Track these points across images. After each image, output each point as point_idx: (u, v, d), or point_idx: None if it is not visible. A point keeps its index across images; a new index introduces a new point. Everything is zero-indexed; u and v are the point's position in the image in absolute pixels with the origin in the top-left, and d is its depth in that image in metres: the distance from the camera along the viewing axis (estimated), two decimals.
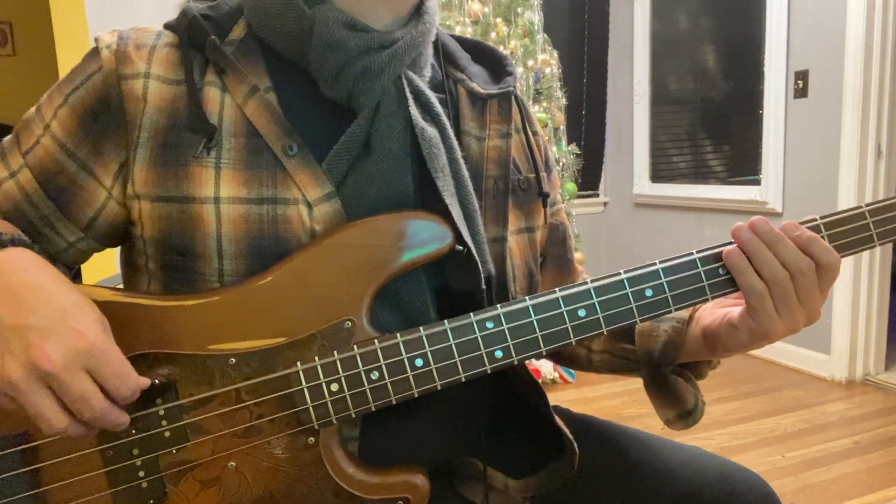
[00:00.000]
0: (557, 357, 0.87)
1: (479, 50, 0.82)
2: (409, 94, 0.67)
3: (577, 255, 0.90)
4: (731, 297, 0.69)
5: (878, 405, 2.63)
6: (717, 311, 0.70)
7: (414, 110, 0.67)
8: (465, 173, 0.69)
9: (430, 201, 0.66)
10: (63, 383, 0.52)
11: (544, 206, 0.79)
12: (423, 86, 0.69)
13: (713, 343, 0.70)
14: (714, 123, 3.73)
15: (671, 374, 0.73)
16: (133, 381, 0.55)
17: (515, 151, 0.77)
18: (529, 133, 0.80)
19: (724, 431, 2.41)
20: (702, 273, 0.65)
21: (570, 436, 0.71)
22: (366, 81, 0.65)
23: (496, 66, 0.80)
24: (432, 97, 0.69)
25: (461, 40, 0.83)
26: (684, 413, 0.72)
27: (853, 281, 2.84)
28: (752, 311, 0.64)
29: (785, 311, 0.64)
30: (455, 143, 0.69)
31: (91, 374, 0.53)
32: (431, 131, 0.67)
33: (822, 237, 0.65)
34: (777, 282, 0.63)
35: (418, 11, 0.71)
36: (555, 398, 0.75)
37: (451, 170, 0.68)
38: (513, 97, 0.77)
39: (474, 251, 0.65)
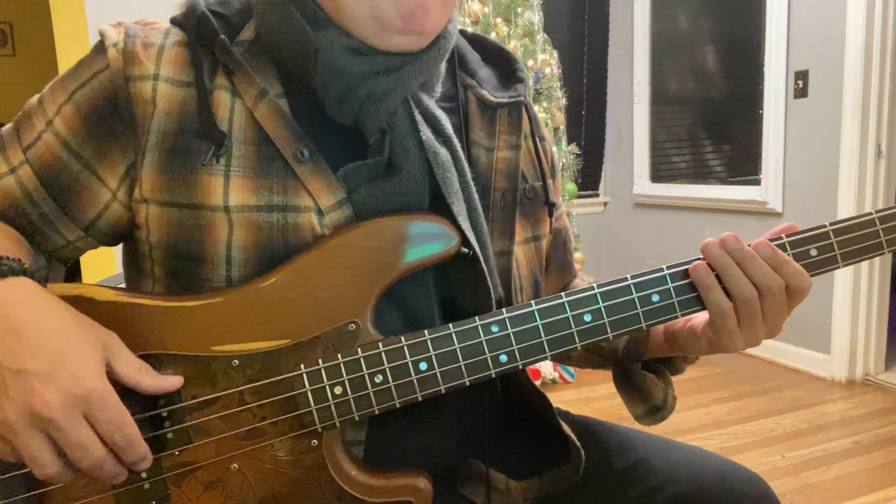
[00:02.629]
0: None
1: (489, 50, 0.80)
2: (418, 117, 0.65)
3: (576, 256, 0.91)
4: None
5: (878, 405, 2.63)
6: None
7: (427, 133, 0.65)
8: (476, 196, 0.68)
9: None
10: (61, 430, 0.51)
11: (550, 215, 0.79)
12: (433, 106, 0.68)
13: (673, 344, 0.71)
14: (714, 123, 3.73)
15: (638, 371, 0.74)
16: (129, 431, 0.54)
17: (523, 160, 0.76)
18: (537, 139, 0.79)
19: (724, 431, 2.41)
20: None
21: (578, 442, 0.71)
22: (370, 105, 0.63)
23: (506, 68, 0.79)
24: (442, 118, 0.68)
25: (472, 39, 0.81)
26: (653, 408, 0.73)
27: (853, 281, 2.84)
28: (713, 326, 0.65)
29: (747, 328, 0.64)
30: (466, 165, 0.68)
31: (88, 419, 0.52)
32: (444, 154, 0.66)
33: (831, 244, 0.65)
34: (744, 300, 0.63)
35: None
36: (555, 398, 0.75)
37: (463, 193, 0.67)
38: (524, 107, 0.76)
39: (487, 275, 0.65)
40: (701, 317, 0.67)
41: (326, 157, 0.64)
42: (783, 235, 0.65)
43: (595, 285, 0.64)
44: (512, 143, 0.74)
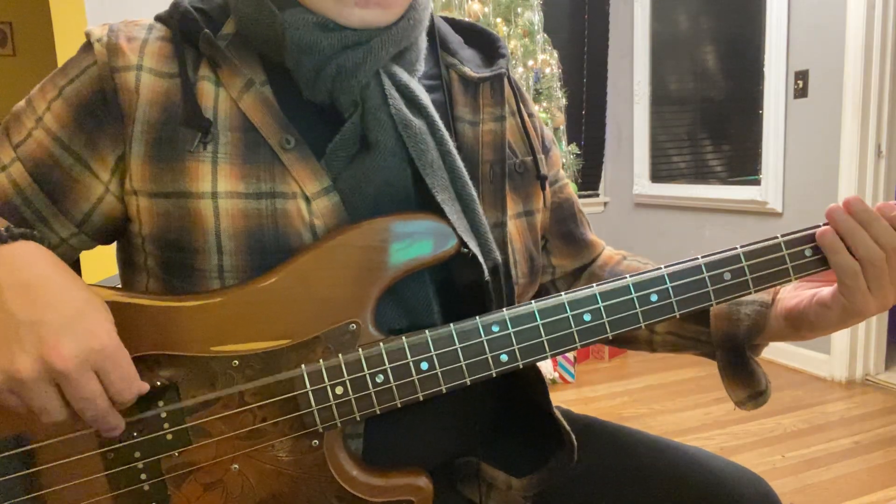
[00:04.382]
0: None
1: (472, 32, 0.81)
2: (390, 89, 0.66)
3: (596, 240, 0.88)
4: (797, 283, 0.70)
5: (878, 405, 2.64)
6: (803, 292, 0.70)
7: (398, 105, 0.65)
8: (460, 164, 0.68)
9: (427, 196, 0.65)
10: (73, 383, 0.51)
11: (542, 188, 0.78)
12: (407, 78, 0.68)
13: (798, 324, 0.70)
14: (714, 123, 3.73)
15: (752, 356, 0.73)
16: (136, 386, 0.55)
17: (511, 135, 0.76)
18: (525, 115, 0.79)
19: (724, 431, 2.41)
20: (706, 278, 0.65)
21: (568, 427, 0.71)
22: (342, 80, 0.64)
23: (489, 48, 0.79)
24: (417, 89, 0.68)
25: (454, 23, 0.82)
26: (756, 393, 0.72)
27: None
28: (845, 290, 0.65)
29: (877, 289, 0.64)
30: (445, 134, 0.68)
31: (98, 374, 0.53)
32: (418, 124, 0.66)
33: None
34: (872, 261, 0.63)
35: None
36: (555, 398, 0.75)
37: (445, 162, 0.67)
38: (505, 79, 0.77)
39: (476, 246, 0.65)
40: (827, 289, 0.67)
41: (311, 141, 0.64)
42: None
43: (594, 284, 0.64)
44: (496, 115, 0.75)
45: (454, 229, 0.64)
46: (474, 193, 0.68)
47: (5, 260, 0.54)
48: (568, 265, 0.85)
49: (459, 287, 0.67)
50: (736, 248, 0.66)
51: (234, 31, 0.67)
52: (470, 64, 0.76)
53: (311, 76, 0.64)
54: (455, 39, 0.78)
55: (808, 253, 0.66)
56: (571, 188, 0.86)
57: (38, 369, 0.51)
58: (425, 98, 0.68)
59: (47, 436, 0.58)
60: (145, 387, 0.57)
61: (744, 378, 0.73)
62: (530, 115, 0.81)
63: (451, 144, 0.68)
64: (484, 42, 0.80)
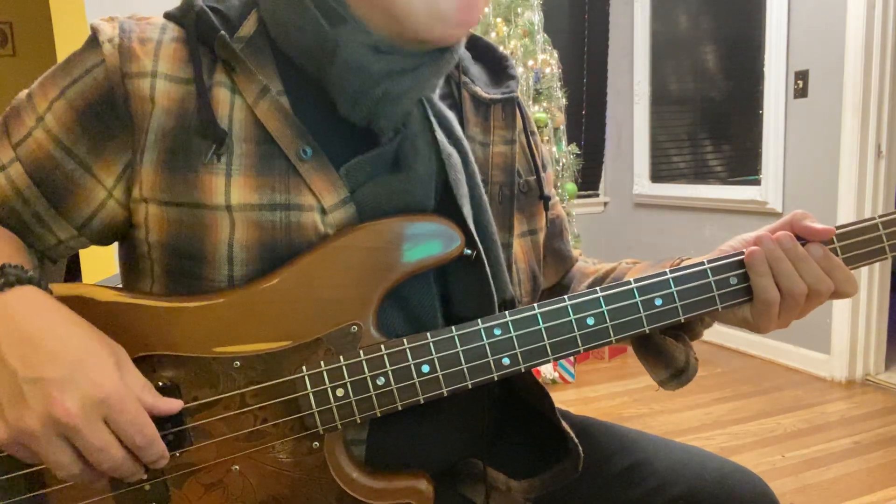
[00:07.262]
0: None
1: (478, 48, 0.81)
2: (433, 119, 0.66)
3: (574, 254, 0.91)
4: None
5: (878, 405, 2.64)
6: None
7: (440, 136, 0.65)
8: (485, 198, 0.68)
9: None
10: (82, 435, 0.51)
11: (545, 208, 0.79)
12: (444, 109, 0.68)
13: None
14: (714, 123, 3.73)
15: (658, 334, 0.73)
16: (149, 431, 0.54)
17: (517, 155, 0.77)
18: (529, 134, 0.79)
19: (724, 431, 2.41)
20: (712, 283, 0.65)
21: (575, 439, 0.71)
22: (386, 105, 0.63)
23: (496, 66, 0.79)
24: (453, 120, 0.68)
25: None
26: (676, 372, 0.72)
27: None
28: (754, 310, 0.65)
29: (785, 319, 0.65)
30: (475, 167, 0.68)
31: (107, 423, 0.53)
32: (455, 156, 0.66)
33: (835, 249, 0.66)
34: (792, 296, 0.64)
35: None
36: (555, 398, 0.75)
37: (473, 196, 0.67)
38: (516, 102, 0.77)
39: (490, 276, 0.65)
40: None
41: (329, 154, 0.63)
42: (833, 238, 0.66)
43: (598, 288, 0.64)
44: (507, 138, 0.75)
45: (468, 235, 0.64)
46: (495, 228, 0.68)
47: (2, 312, 0.53)
48: (553, 280, 0.85)
49: (464, 295, 0.67)
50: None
51: (250, 33, 0.65)
52: (479, 82, 0.76)
53: (355, 96, 0.63)
54: (465, 55, 0.78)
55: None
56: (560, 207, 0.87)
57: (46, 425, 0.51)
58: (459, 129, 0.68)
59: None
60: (169, 405, 0.57)
61: (655, 356, 0.73)
62: (533, 134, 0.81)
63: (479, 177, 0.68)
64: (491, 59, 0.80)
